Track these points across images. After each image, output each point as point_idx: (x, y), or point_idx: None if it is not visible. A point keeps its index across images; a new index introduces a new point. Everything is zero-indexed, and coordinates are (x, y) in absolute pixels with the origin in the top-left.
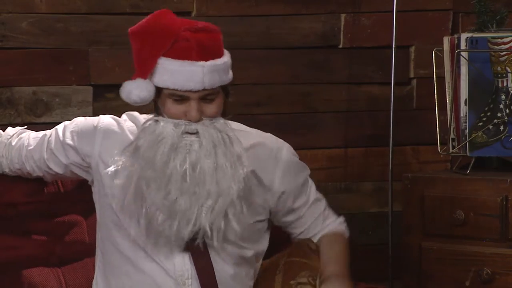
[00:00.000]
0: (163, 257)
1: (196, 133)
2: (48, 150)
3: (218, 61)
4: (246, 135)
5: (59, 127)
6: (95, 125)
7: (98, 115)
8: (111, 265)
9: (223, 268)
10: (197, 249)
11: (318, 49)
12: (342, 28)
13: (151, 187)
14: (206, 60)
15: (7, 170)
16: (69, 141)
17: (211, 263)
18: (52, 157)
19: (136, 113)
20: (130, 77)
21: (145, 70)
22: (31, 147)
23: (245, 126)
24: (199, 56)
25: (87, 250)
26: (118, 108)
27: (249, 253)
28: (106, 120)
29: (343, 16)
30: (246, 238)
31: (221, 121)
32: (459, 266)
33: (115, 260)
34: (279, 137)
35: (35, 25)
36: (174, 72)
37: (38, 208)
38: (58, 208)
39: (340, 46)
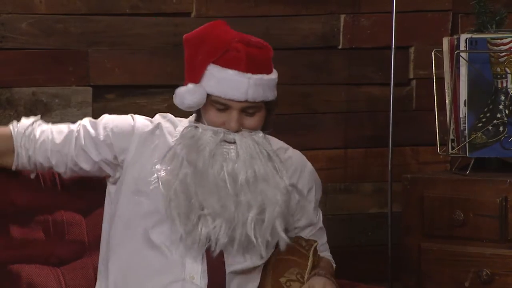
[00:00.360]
0: (179, 255)
1: (234, 142)
2: (78, 147)
3: (265, 77)
4: (282, 151)
5: (87, 124)
6: (132, 124)
7: (97, 116)
8: (120, 260)
9: (238, 264)
10: (213, 252)
11: (318, 50)
12: (341, 29)
13: (200, 191)
14: (254, 73)
15: (25, 161)
16: (102, 137)
17: (224, 265)
18: (82, 153)
19: (170, 115)
20: (130, 78)
21: (197, 75)
22: (57, 142)
23: (282, 142)
24: (247, 68)
25: (87, 250)
26: (118, 109)
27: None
28: (141, 120)
29: (342, 17)
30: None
31: (260, 134)
32: (459, 267)
33: (125, 254)
34: (279, 138)
35: (34, 26)
36: (220, 80)
37: (37, 207)
38: (57, 207)
39: (340, 47)
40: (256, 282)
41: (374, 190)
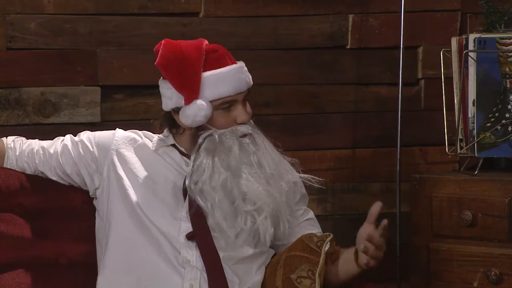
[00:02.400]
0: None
1: (247, 134)
2: (62, 144)
3: (243, 64)
4: None
5: (69, 136)
6: (113, 131)
7: (105, 116)
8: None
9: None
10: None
11: (326, 50)
12: (350, 29)
13: (240, 190)
14: (235, 63)
15: (14, 162)
16: (86, 140)
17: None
18: (65, 150)
19: (144, 132)
20: (138, 78)
21: (196, 89)
22: (43, 143)
23: None
24: (231, 61)
25: (96, 251)
26: (126, 108)
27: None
28: (121, 132)
29: (351, 16)
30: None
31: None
32: (467, 267)
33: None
34: (287, 138)
35: (43, 26)
36: (221, 80)
37: (45, 208)
38: (66, 208)
39: (348, 46)
40: (259, 275)
41: (382, 190)
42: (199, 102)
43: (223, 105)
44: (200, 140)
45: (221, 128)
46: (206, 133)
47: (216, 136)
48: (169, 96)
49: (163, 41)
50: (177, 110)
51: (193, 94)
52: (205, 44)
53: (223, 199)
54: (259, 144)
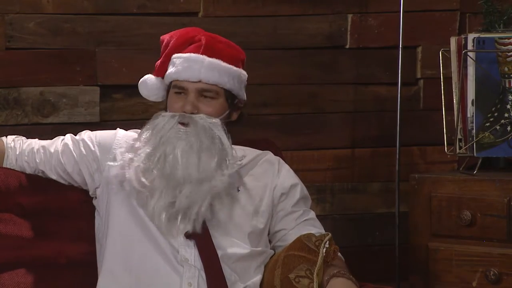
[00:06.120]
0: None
1: (187, 124)
2: (63, 143)
3: (223, 63)
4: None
5: (70, 135)
6: (115, 131)
7: (104, 115)
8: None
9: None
10: (198, 233)
11: (325, 50)
12: (349, 29)
13: (158, 171)
14: (209, 56)
15: (13, 161)
16: (87, 139)
17: (213, 246)
18: (66, 149)
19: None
20: (137, 78)
21: (162, 67)
22: (43, 142)
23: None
24: (204, 52)
25: (95, 250)
26: (125, 108)
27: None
28: (123, 131)
29: (350, 16)
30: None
31: (214, 120)
32: (466, 267)
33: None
34: (286, 138)
35: (42, 26)
36: (178, 64)
37: (45, 208)
38: (65, 208)
39: (347, 46)
40: (257, 275)
41: (381, 190)
42: (153, 76)
43: (174, 89)
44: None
45: (171, 110)
46: (160, 113)
47: (161, 115)
48: None
49: (194, 28)
50: None
51: (159, 71)
52: (199, 34)
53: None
54: (191, 141)
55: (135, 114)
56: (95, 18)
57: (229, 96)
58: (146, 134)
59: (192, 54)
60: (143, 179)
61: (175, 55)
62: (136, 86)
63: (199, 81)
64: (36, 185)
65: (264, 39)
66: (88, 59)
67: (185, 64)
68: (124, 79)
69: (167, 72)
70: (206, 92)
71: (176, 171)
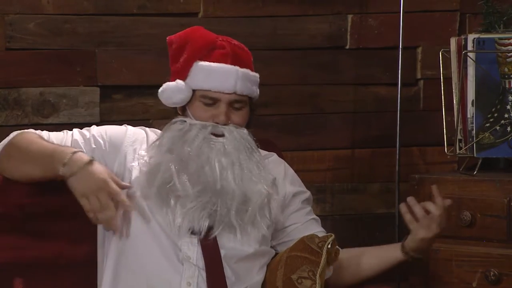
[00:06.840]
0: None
1: (221, 135)
2: (72, 139)
3: (251, 72)
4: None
5: (76, 129)
6: (125, 128)
7: (104, 116)
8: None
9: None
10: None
11: (325, 50)
12: (349, 29)
13: (181, 176)
14: (241, 67)
15: None
16: (97, 135)
17: (218, 249)
18: (76, 146)
19: (152, 129)
20: (137, 78)
21: (183, 73)
22: (51, 135)
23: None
24: (234, 62)
25: (95, 251)
26: (126, 109)
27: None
28: (133, 128)
29: (350, 17)
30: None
31: (245, 131)
32: (466, 267)
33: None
34: (286, 138)
35: (42, 26)
36: (210, 73)
37: (45, 209)
38: (66, 210)
39: (347, 47)
40: (260, 275)
41: (381, 190)
42: (179, 82)
43: (205, 99)
44: (171, 124)
45: (199, 119)
46: (181, 118)
47: (187, 124)
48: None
49: (197, 26)
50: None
51: (179, 75)
52: (220, 39)
53: (159, 176)
54: (228, 149)
55: (135, 115)
56: (95, 18)
57: (252, 103)
58: (173, 140)
59: (225, 65)
60: (178, 184)
61: (202, 63)
62: (136, 86)
63: (233, 93)
64: (36, 185)
65: (264, 39)
66: (88, 59)
67: (219, 75)
68: (124, 80)
69: (193, 80)
70: (237, 103)
71: (215, 182)
